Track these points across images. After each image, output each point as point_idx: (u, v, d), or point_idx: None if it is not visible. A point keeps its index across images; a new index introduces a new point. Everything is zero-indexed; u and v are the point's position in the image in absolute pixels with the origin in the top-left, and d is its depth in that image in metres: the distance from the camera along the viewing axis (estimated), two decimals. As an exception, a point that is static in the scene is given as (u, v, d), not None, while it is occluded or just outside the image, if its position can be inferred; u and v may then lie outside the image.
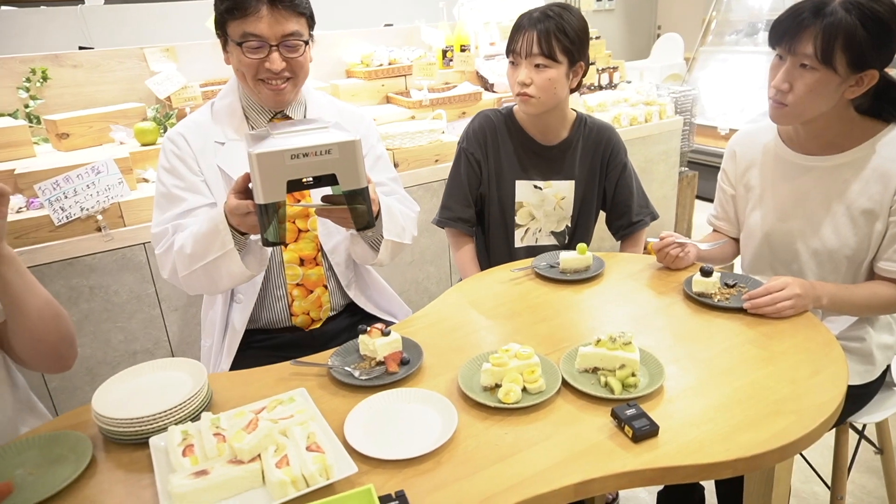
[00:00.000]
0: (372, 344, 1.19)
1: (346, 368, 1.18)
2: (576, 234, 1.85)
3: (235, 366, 1.51)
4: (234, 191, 1.20)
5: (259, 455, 0.91)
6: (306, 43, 1.38)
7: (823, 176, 1.40)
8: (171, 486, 0.86)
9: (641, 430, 0.95)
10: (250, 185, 1.15)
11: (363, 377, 1.15)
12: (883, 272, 1.37)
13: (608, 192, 1.82)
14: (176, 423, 1.00)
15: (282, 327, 1.56)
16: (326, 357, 1.23)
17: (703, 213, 4.00)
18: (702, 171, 3.89)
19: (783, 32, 1.28)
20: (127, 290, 2.13)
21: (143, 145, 2.30)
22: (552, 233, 1.83)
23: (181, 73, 2.54)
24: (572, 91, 1.67)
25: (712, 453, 0.93)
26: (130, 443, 1.00)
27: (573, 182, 1.77)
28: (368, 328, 1.22)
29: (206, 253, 1.28)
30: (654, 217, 1.85)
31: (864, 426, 1.64)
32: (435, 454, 0.95)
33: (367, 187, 1.14)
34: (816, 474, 1.79)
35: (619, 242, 1.91)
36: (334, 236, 1.53)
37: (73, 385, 2.13)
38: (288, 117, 1.48)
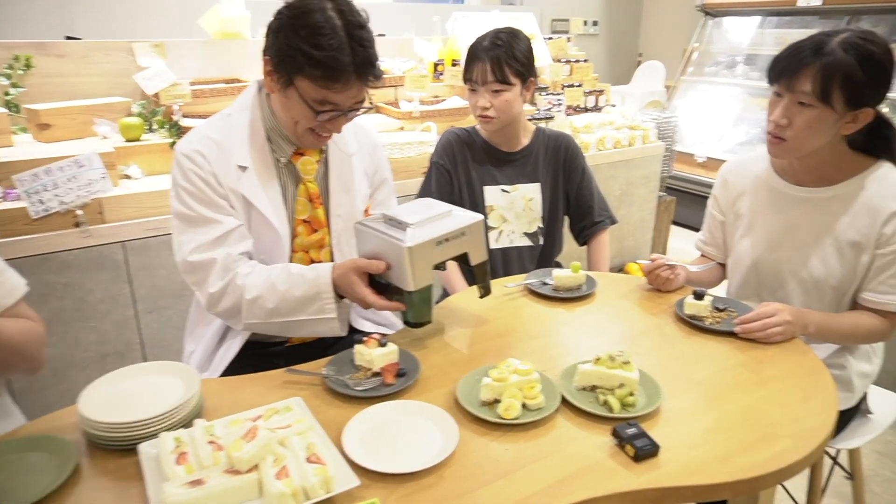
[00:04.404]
0: (368, 354, 1.18)
1: (341, 378, 1.16)
2: (547, 234, 1.94)
3: (225, 374, 1.46)
4: (365, 285, 1.26)
5: (257, 465, 0.88)
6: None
7: (814, 208, 1.44)
8: (166, 495, 0.82)
9: (643, 450, 0.96)
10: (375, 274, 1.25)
11: (359, 388, 1.13)
12: (866, 303, 1.41)
13: (570, 194, 1.94)
14: (167, 430, 0.97)
15: (275, 341, 1.53)
16: (320, 366, 1.20)
17: (678, 239, 4.08)
18: (678, 197, 3.97)
19: (782, 70, 1.32)
20: (102, 290, 2.06)
21: (128, 141, 2.24)
22: (525, 234, 1.93)
23: (170, 70, 2.49)
24: (530, 102, 1.81)
25: (713, 474, 0.93)
26: (118, 448, 0.96)
27: (538, 184, 1.90)
28: (365, 338, 1.20)
29: (294, 313, 1.30)
30: (614, 221, 1.99)
31: (838, 452, 1.68)
32: (437, 469, 0.93)
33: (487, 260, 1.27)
34: (792, 499, 1.82)
35: (586, 248, 2.00)
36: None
37: (39, 386, 2.04)
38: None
